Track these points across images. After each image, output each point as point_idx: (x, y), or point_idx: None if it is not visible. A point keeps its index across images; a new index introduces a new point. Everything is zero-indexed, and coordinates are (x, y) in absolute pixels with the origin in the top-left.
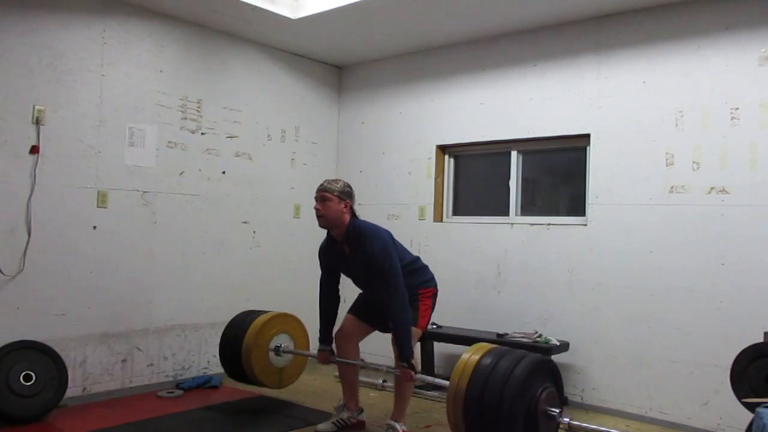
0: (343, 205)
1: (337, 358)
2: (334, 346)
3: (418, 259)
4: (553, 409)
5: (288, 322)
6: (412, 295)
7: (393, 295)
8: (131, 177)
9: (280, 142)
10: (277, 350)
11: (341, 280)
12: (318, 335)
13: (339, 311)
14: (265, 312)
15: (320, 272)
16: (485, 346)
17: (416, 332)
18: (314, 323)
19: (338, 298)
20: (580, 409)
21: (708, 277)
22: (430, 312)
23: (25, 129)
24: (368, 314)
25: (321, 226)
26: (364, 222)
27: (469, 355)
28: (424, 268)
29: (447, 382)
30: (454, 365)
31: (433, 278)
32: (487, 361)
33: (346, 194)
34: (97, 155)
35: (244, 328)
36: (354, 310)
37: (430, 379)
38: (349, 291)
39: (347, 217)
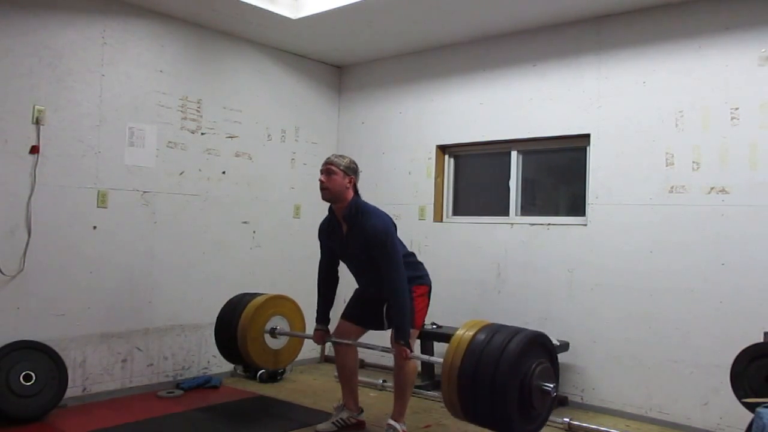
0: (347, 180)
1: (333, 338)
2: (332, 342)
3: (413, 254)
4: (548, 384)
5: (283, 304)
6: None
7: (392, 272)
8: (131, 177)
9: (280, 142)
10: (273, 332)
11: (340, 269)
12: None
13: (338, 297)
14: (261, 294)
15: (318, 280)
16: (479, 323)
17: (413, 332)
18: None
19: (337, 278)
20: (580, 409)
21: (708, 277)
22: (425, 311)
23: (25, 129)
24: (361, 316)
25: (324, 198)
26: (366, 203)
27: (463, 331)
28: (419, 264)
29: (441, 360)
30: None
31: (427, 275)
32: (481, 337)
33: (352, 170)
34: (97, 155)
35: (240, 310)
36: (347, 314)
37: (425, 357)
38: (345, 289)
39: (350, 193)
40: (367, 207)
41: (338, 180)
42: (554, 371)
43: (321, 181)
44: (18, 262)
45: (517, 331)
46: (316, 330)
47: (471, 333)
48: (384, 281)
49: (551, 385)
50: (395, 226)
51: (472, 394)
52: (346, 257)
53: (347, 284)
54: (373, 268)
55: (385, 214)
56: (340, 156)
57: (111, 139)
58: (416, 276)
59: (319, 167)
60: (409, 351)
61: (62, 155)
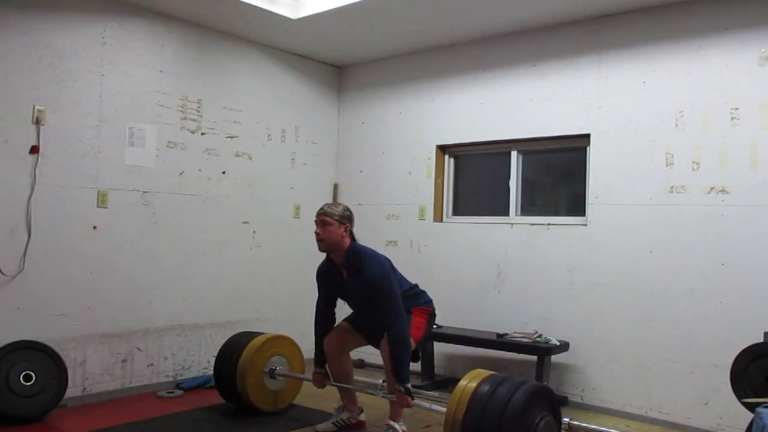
0: (343, 229)
1: (332, 382)
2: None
3: (416, 285)
4: None
5: (282, 345)
6: (406, 311)
7: (392, 317)
8: (131, 177)
9: (280, 142)
10: (272, 373)
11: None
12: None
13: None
14: (260, 334)
15: (315, 323)
16: (483, 373)
17: (411, 343)
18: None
19: (334, 320)
20: (580, 409)
21: (708, 277)
22: (424, 328)
23: (25, 129)
24: (364, 327)
25: (321, 249)
26: (363, 247)
27: (467, 382)
28: (422, 293)
29: (444, 409)
30: (454, 365)
31: (430, 301)
32: (485, 388)
33: (346, 218)
34: (97, 155)
35: (239, 351)
36: (351, 319)
37: (426, 405)
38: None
39: (347, 241)
40: (365, 252)
41: (334, 230)
42: (557, 425)
43: (317, 233)
44: (18, 262)
45: (521, 383)
46: (314, 373)
47: (474, 384)
48: (384, 327)
49: None
50: (394, 268)
51: None
52: (346, 299)
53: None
54: (374, 310)
55: (383, 257)
56: (334, 205)
57: (111, 139)
58: (420, 302)
59: (319, 167)
60: (410, 399)
61: (62, 155)
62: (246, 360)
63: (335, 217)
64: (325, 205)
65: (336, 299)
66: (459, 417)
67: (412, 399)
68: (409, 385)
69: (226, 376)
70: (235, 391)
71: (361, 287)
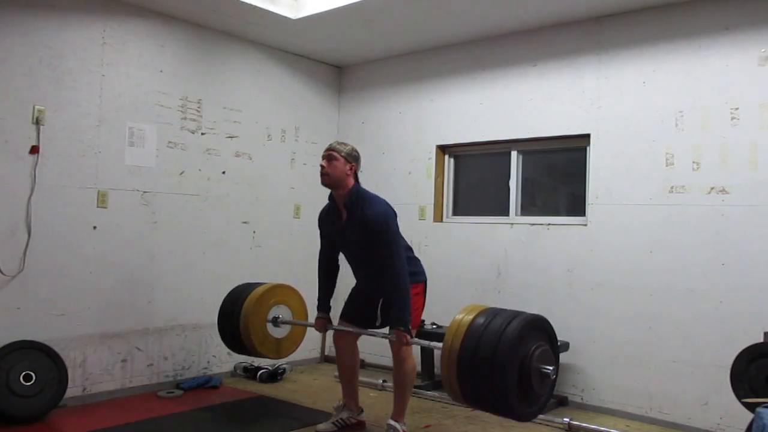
0: (348, 167)
1: (334, 327)
2: (336, 343)
3: (411, 249)
4: (547, 367)
5: (286, 294)
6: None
7: (393, 258)
8: (131, 177)
9: (280, 142)
10: (275, 321)
11: (340, 261)
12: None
13: (338, 290)
14: (263, 284)
15: (318, 269)
16: (478, 307)
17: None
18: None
19: (337, 267)
20: (580, 409)
21: (708, 277)
22: (422, 310)
23: (25, 129)
24: (358, 315)
25: (323, 184)
26: (367, 190)
27: (463, 315)
28: (416, 260)
29: (441, 344)
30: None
31: (423, 272)
32: (481, 320)
33: (353, 157)
34: (97, 155)
35: (242, 299)
36: (345, 315)
37: (425, 342)
38: (345, 289)
39: (351, 181)
40: (368, 195)
41: (339, 166)
42: (554, 354)
43: (322, 167)
44: (18, 262)
45: (516, 314)
46: (317, 318)
47: (470, 317)
48: (384, 267)
49: (551, 368)
50: (396, 214)
51: (472, 377)
52: (344, 246)
53: (346, 284)
54: (371, 260)
55: (386, 201)
56: (343, 143)
57: (111, 139)
58: (412, 272)
59: (319, 167)
60: (409, 337)
61: (62, 155)
62: (249, 308)
63: (342, 154)
64: (334, 141)
65: (337, 248)
66: (455, 347)
67: (412, 337)
68: (408, 325)
69: (230, 323)
70: (239, 339)
71: (360, 230)
